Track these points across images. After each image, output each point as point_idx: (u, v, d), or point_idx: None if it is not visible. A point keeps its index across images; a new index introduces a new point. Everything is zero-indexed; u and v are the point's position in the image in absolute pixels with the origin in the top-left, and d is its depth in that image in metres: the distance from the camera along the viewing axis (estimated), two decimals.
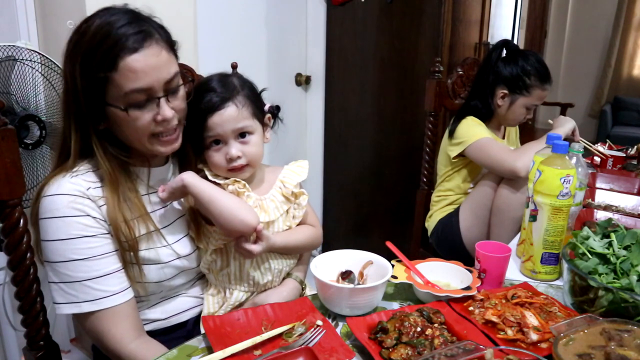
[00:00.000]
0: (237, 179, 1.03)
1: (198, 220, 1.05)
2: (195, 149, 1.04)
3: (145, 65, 0.87)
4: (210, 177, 1.03)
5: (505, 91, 1.77)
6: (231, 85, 1.02)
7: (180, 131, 0.99)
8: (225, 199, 0.97)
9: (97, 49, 0.85)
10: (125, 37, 0.86)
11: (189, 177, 0.97)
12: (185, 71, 1.30)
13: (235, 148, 1.00)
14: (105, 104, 0.89)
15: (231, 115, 0.99)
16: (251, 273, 1.05)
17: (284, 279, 1.12)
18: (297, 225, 1.11)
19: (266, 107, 1.09)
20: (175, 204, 1.06)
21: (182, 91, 0.96)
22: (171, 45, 0.95)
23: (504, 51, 1.80)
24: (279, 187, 1.08)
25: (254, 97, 1.05)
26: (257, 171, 1.09)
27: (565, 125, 1.74)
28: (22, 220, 0.94)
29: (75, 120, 0.92)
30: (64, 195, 0.90)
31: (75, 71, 0.88)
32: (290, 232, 1.09)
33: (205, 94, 1.00)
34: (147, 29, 0.89)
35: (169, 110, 0.92)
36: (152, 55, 0.88)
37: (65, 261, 0.90)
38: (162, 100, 0.91)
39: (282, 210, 1.07)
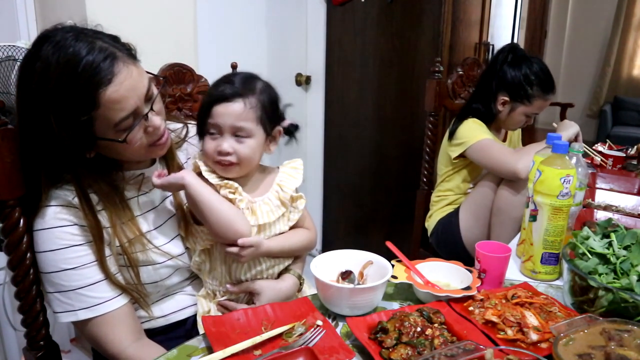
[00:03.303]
0: (230, 183, 1.01)
1: (187, 219, 1.06)
2: (200, 133, 1.03)
3: (124, 91, 0.84)
4: (204, 174, 1.01)
5: (507, 98, 1.76)
6: (250, 86, 1.00)
7: (166, 130, 0.98)
8: (223, 207, 0.97)
9: (70, 93, 0.81)
10: (95, 69, 0.81)
11: (190, 178, 0.97)
12: (185, 71, 1.31)
13: (228, 143, 0.98)
14: (95, 138, 0.88)
15: (235, 111, 0.98)
16: (242, 277, 1.05)
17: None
18: (293, 227, 1.10)
19: (285, 123, 1.08)
20: (166, 205, 1.06)
21: (157, 94, 0.95)
22: (132, 55, 0.90)
23: (510, 56, 1.79)
24: (275, 190, 1.06)
25: (269, 106, 1.02)
26: (252, 171, 1.07)
27: (569, 130, 1.73)
28: (22, 220, 0.94)
29: (48, 159, 0.90)
30: (50, 207, 0.91)
31: (48, 120, 0.82)
32: (286, 237, 1.08)
33: (222, 84, 1.00)
34: (110, 51, 0.84)
35: (157, 118, 0.92)
36: (126, 79, 0.85)
37: (57, 271, 0.91)
38: (149, 113, 0.91)
39: (277, 214, 1.05)
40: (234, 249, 0.98)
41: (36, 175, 0.91)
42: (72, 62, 0.81)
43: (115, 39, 0.89)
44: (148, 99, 0.91)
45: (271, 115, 1.03)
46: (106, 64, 0.82)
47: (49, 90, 0.81)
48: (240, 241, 0.97)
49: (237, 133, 0.99)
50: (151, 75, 0.95)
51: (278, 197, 1.06)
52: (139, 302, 1.00)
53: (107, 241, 0.95)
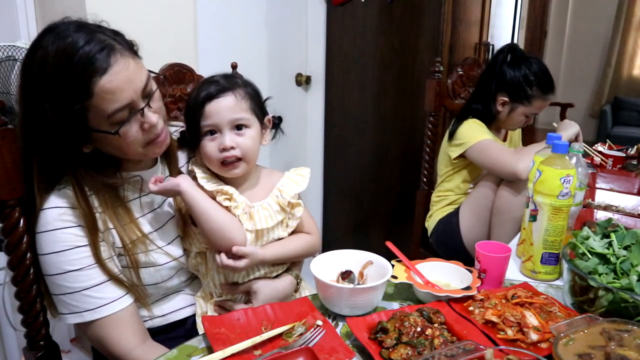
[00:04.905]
0: (225, 189, 1.00)
1: (185, 220, 1.05)
2: (192, 142, 1.02)
3: (119, 82, 0.84)
4: (200, 181, 1.01)
5: (506, 98, 1.76)
6: (233, 80, 1.02)
7: (166, 129, 0.98)
8: (218, 215, 0.97)
9: (64, 80, 0.81)
10: (91, 59, 0.81)
11: (186, 185, 0.97)
12: (185, 71, 1.31)
13: (229, 138, 0.98)
14: (89, 129, 0.87)
15: (229, 104, 0.98)
16: (239, 281, 1.04)
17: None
18: (293, 233, 1.08)
19: (269, 116, 1.08)
20: (166, 206, 1.06)
21: (157, 92, 0.95)
22: (133, 50, 0.91)
23: (510, 56, 1.78)
24: (275, 195, 1.05)
25: (255, 96, 1.04)
26: (251, 173, 1.06)
27: (569, 130, 1.73)
28: (22, 220, 0.94)
29: (46, 154, 0.90)
30: (54, 208, 0.90)
31: (44, 109, 0.83)
32: (283, 243, 1.06)
33: (206, 85, 1.00)
34: (108, 43, 0.84)
35: (154, 115, 0.92)
36: (122, 70, 0.84)
37: (61, 273, 0.91)
38: (146, 109, 0.90)
39: (276, 219, 1.03)
40: (230, 262, 0.98)
41: (37, 175, 0.91)
42: (69, 50, 0.81)
43: (116, 34, 0.90)
44: (146, 95, 0.90)
45: (259, 103, 1.05)
46: (102, 55, 0.83)
47: (45, 78, 0.82)
48: (234, 249, 0.97)
49: (236, 124, 0.99)
50: (152, 74, 0.95)
51: (277, 201, 1.04)
52: (140, 300, 0.99)
53: (111, 242, 0.95)
